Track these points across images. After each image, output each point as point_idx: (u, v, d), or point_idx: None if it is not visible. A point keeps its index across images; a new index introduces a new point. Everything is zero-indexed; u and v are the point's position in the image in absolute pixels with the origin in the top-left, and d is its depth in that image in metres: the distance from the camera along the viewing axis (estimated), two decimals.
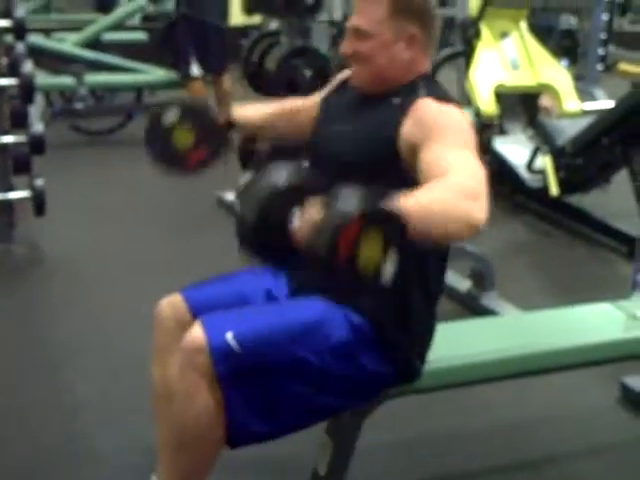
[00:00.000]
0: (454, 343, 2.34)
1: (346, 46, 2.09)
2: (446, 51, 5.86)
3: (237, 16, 7.58)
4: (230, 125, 2.39)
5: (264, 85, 6.39)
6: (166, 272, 3.89)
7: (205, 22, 6.33)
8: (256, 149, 4.34)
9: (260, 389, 1.93)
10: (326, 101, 2.28)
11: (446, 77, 5.91)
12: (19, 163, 4.40)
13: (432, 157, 1.85)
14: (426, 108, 1.97)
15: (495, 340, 2.43)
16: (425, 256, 2.02)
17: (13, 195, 4.48)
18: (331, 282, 1.83)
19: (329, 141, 2.15)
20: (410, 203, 1.64)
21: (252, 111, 2.44)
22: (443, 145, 1.86)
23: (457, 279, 3.83)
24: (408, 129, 1.95)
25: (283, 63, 5.91)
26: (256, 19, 7.70)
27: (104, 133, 6.85)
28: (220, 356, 1.88)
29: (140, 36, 7.91)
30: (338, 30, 7.33)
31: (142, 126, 2.27)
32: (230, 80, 6.55)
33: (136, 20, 8.26)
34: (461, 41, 5.73)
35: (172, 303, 2.16)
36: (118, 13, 7.82)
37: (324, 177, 1.86)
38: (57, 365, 3.18)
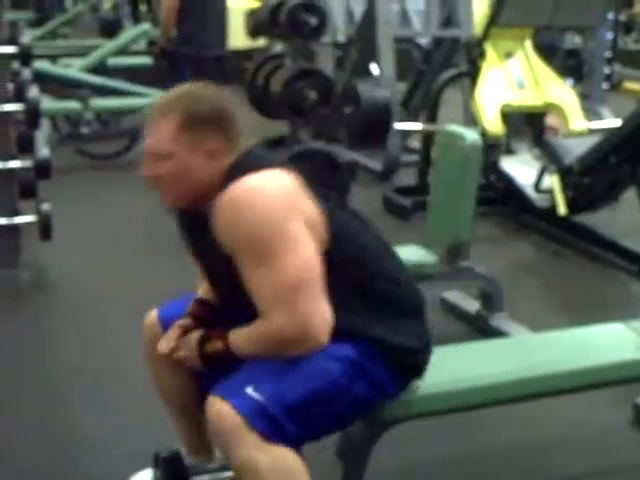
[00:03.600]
0: (464, 365, 2.32)
1: (144, 168, 1.93)
2: (451, 72, 5.85)
3: (241, 39, 7.61)
4: None
5: (269, 107, 6.41)
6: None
7: (205, 56, 6.37)
8: None
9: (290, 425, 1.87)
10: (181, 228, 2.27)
11: (451, 98, 5.92)
12: (25, 188, 4.41)
13: (249, 285, 1.87)
14: (220, 211, 1.84)
15: (506, 362, 2.41)
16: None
17: (19, 220, 4.47)
18: None
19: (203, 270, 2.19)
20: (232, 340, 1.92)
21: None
22: (251, 269, 1.85)
23: (466, 300, 3.80)
24: (220, 236, 1.86)
25: (287, 85, 5.91)
26: (260, 42, 7.73)
27: (110, 157, 6.85)
28: (252, 413, 1.82)
29: (145, 60, 7.92)
30: (342, 52, 7.36)
31: None
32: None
33: (141, 45, 8.29)
34: (466, 61, 5.73)
35: (150, 317, 2.29)
36: (123, 38, 7.86)
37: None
38: (61, 392, 3.15)
